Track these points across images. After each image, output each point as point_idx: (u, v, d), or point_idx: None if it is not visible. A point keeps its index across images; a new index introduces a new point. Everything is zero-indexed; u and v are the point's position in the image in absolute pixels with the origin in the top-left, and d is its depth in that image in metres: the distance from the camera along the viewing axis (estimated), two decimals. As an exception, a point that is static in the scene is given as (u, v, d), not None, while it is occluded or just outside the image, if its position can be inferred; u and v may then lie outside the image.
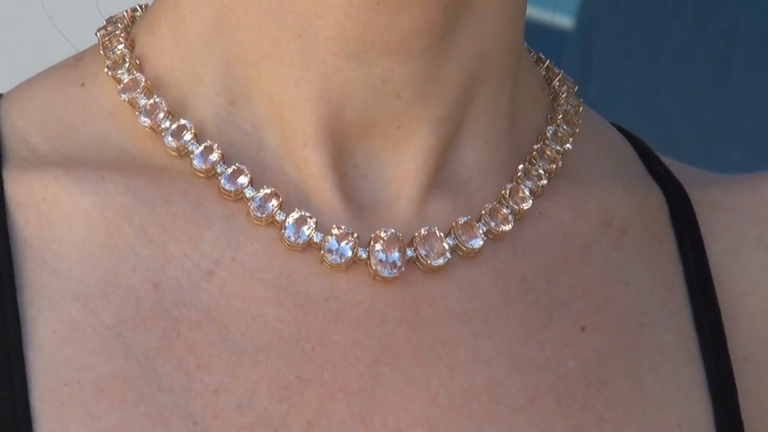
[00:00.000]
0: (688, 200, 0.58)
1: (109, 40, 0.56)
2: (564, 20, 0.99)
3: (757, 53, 1.04)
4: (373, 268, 0.51)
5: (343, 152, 0.52)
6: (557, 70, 0.59)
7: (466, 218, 0.52)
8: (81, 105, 0.54)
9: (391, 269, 0.51)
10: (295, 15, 0.50)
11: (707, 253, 0.57)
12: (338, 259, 0.50)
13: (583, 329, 0.52)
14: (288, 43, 0.50)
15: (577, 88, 0.58)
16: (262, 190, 0.51)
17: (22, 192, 0.51)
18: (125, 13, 0.58)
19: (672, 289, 0.55)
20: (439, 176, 0.53)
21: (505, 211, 0.53)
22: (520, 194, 0.53)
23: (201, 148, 0.52)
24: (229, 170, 0.51)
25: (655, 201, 0.58)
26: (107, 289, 0.50)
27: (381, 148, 0.52)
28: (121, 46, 0.55)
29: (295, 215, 0.51)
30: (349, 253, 0.50)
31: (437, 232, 0.51)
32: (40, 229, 0.51)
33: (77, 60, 0.57)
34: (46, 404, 0.48)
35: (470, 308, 0.51)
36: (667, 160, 0.61)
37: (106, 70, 0.54)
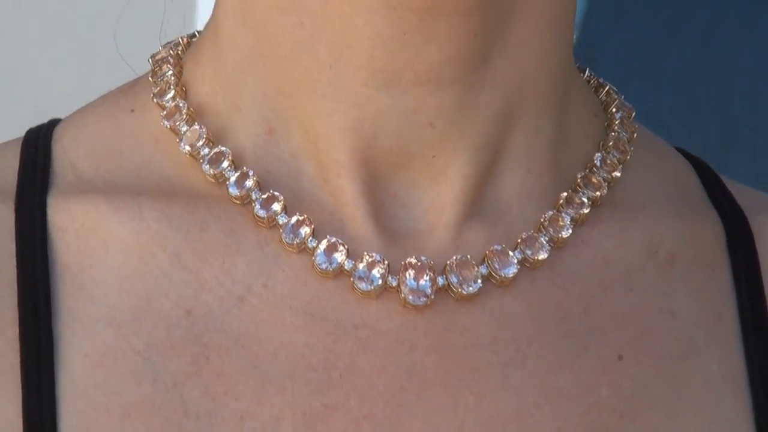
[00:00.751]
0: (749, 228, 0.57)
1: (159, 66, 0.56)
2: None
3: (760, 70, 1.04)
4: (403, 295, 0.51)
5: (379, 181, 0.52)
6: (615, 96, 0.59)
7: (500, 246, 0.52)
8: (129, 131, 0.55)
9: (421, 297, 0.50)
10: (325, 46, 0.50)
11: (764, 282, 0.56)
12: (368, 287, 0.50)
13: (620, 358, 0.52)
14: (320, 74, 0.51)
15: (634, 114, 0.58)
16: (294, 217, 0.51)
17: (63, 218, 0.52)
18: (181, 39, 0.58)
19: (722, 318, 0.55)
20: (478, 205, 0.53)
21: (542, 239, 0.52)
22: (560, 222, 0.53)
23: (236, 175, 0.52)
24: (263, 197, 0.52)
25: (711, 228, 0.57)
26: (140, 314, 0.50)
27: (419, 177, 0.52)
28: (169, 73, 0.55)
29: (326, 242, 0.51)
30: (379, 281, 0.50)
31: (470, 259, 0.51)
32: (78, 254, 0.51)
33: (131, 86, 0.57)
34: (73, 429, 0.48)
35: (501, 337, 0.51)
36: (738, 187, 0.60)
37: (152, 96, 0.55)
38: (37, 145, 0.55)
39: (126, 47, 0.65)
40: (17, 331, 0.50)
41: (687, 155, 0.61)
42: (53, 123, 0.57)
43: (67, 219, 0.52)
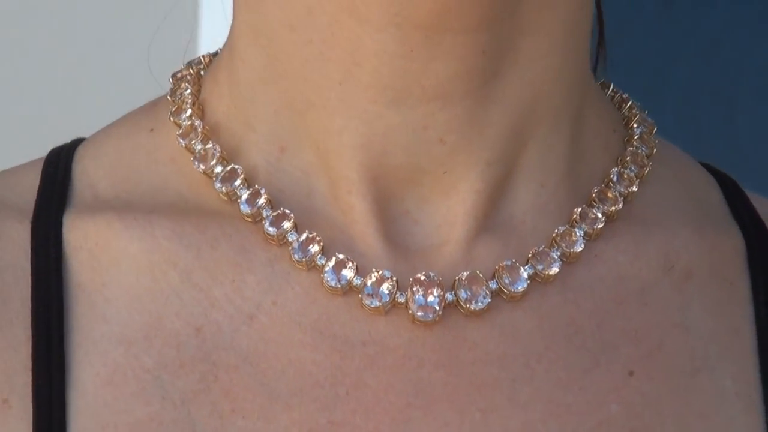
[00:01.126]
0: None
1: (178, 84, 0.57)
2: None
3: (764, 87, 1.04)
4: (411, 311, 0.51)
5: (390, 197, 0.52)
6: (637, 111, 0.58)
7: (510, 261, 0.52)
8: (147, 150, 0.56)
9: (429, 313, 0.50)
10: (335, 63, 0.50)
11: None
12: (376, 303, 0.51)
13: (630, 374, 0.52)
14: (329, 92, 0.51)
15: (655, 129, 0.58)
16: (304, 234, 0.52)
17: (78, 236, 0.53)
18: (202, 58, 0.59)
19: (739, 333, 0.54)
20: (491, 220, 0.53)
21: (553, 254, 0.52)
22: (573, 237, 0.53)
23: (248, 192, 0.52)
24: (274, 214, 0.52)
25: (731, 243, 0.56)
26: (150, 333, 0.51)
27: (430, 193, 0.52)
28: (187, 92, 0.56)
29: (335, 259, 0.51)
30: (388, 297, 0.51)
31: (479, 275, 0.51)
32: (92, 273, 0.52)
33: (153, 105, 0.58)
34: None
35: (510, 352, 0.51)
36: (764, 201, 0.60)
37: (168, 115, 0.55)
38: (58, 165, 0.56)
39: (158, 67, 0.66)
40: (30, 351, 0.50)
41: (713, 171, 0.60)
42: (76, 143, 0.58)
43: (82, 238, 0.52)
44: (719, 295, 0.55)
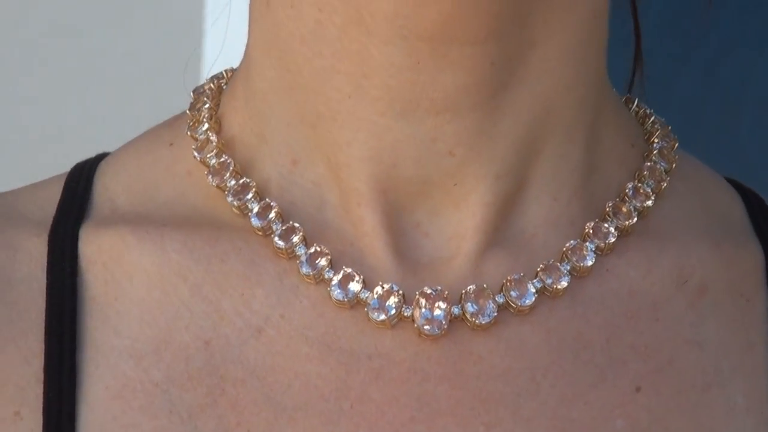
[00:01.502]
0: None
1: (198, 98, 0.58)
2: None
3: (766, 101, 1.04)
4: (417, 325, 0.51)
5: (401, 210, 0.52)
6: (659, 126, 0.58)
7: (519, 275, 0.52)
8: (166, 164, 0.56)
9: (435, 326, 0.51)
10: (344, 76, 0.51)
11: None
12: (383, 316, 0.51)
13: (638, 389, 0.51)
14: (339, 104, 0.51)
15: (677, 145, 0.58)
16: (313, 248, 0.52)
17: (93, 250, 0.53)
18: (225, 72, 0.59)
19: (754, 349, 0.53)
20: (502, 233, 0.53)
21: (563, 267, 0.52)
22: (584, 251, 0.52)
23: (259, 206, 0.53)
24: (283, 228, 0.52)
25: (751, 259, 0.56)
26: (160, 346, 0.51)
27: (440, 205, 0.52)
28: (206, 106, 0.56)
29: (341, 273, 0.51)
30: (394, 311, 0.51)
31: (486, 288, 0.51)
32: (105, 286, 0.52)
33: (174, 119, 0.59)
34: None
35: (516, 366, 0.51)
36: None
37: (186, 129, 0.56)
38: (80, 179, 0.57)
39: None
40: (42, 363, 0.51)
41: (738, 186, 0.60)
42: (100, 157, 0.59)
43: (96, 251, 0.53)
44: (734, 311, 0.54)
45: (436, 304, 0.51)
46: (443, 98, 0.50)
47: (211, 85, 0.58)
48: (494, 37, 0.49)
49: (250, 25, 0.55)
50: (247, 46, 0.56)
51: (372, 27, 0.49)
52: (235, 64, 0.58)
